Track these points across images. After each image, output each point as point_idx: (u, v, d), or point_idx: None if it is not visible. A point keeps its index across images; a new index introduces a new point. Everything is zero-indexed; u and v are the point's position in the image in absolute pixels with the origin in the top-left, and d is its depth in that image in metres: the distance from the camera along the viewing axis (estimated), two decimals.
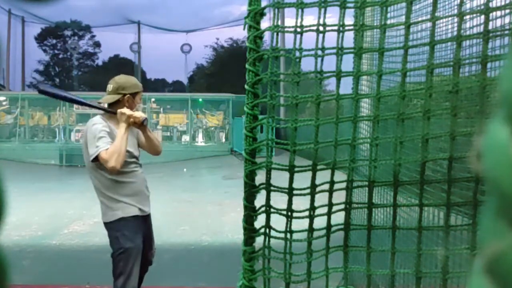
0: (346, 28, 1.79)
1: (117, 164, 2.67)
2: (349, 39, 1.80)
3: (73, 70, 35.18)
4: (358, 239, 2.25)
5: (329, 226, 1.91)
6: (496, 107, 0.30)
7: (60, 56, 38.62)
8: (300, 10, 1.75)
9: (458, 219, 1.88)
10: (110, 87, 2.95)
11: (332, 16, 1.85)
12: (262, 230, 1.88)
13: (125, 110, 2.82)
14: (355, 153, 1.88)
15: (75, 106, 17.13)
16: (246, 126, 1.81)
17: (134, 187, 2.89)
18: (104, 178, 2.84)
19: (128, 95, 2.93)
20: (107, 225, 2.88)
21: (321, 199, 1.87)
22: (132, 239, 2.83)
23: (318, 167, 1.86)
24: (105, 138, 2.75)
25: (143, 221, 2.96)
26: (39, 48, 37.28)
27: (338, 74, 1.79)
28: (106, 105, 2.98)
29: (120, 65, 32.97)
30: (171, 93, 27.27)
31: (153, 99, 17.77)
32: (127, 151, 2.82)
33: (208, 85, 30.28)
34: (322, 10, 1.76)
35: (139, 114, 2.86)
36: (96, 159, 2.72)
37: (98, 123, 2.83)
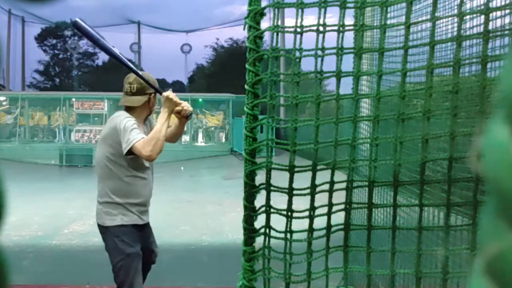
0: (346, 28, 1.79)
1: (153, 152, 2.50)
2: (349, 39, 1.80)
3: (73, 70, 35.15)
4: (358, 239, 2.25)
5: (329, 226, 1.91)
6: (496, 107, 0.30)
7: (60, 56, 38.60)
8: (300, 10, 1.75)
9: (458, 219, 1.88)
10: (131, 87, 2.77)
11: (332, 16, 1.85)
12: (262, 230, 1.88)
13: (172, 95, 2.65)
14: (355, 153, 1.88)
15: (75, 106, 17.15)
16: (246, 126, 1.81)
17: (142, 195, 2.78)
18: (118, 179, 2.70)
19: (153, 94, 2.80)
20: (105, 228, 2.75)
21: (321, 199, 1.87)
22: (132, 245, 2.72)
23: (318, 167, 1.86)
24: (138, 130, 2.60)
25: (142, 229, 2.86)
26: (39, 48, 37.29)
27: (338, 74, 1.79)
28: (123, 107, 2.81)
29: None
30: None
31: None
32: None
33: (208, 85, 30.27)
34: (322, 10, 1.76)
35: (187, 105, 2.73)
36: (129, 152, 2.56)
37: (129, 117, 2.67)
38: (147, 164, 2.79)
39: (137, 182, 2.75)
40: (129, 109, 2.80)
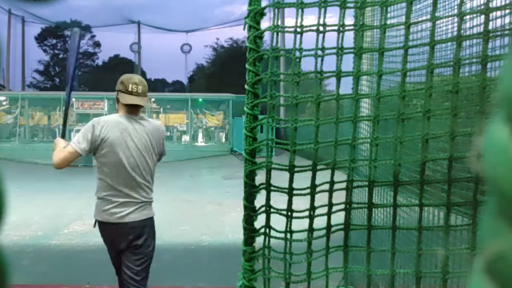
0: (346, 28, 1.79)
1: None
2: (349, 39, 1.80)
3: None
4: (358, 239, 2.25)
5: (329, 226, 1.91)
6: (496, 107, 0.30)
7: (60, 56, 38.62)
8: (300, 10, 1.75)
9: (458, 219, 1.88)
10: (139, 88, 2.87)
11: (332, 16, 1.85)
12: (262, 230, 1.88)
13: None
14: (355, 153, 1.88)
15: (75, 106, 17.16)
16: (246, 126, 1.81)
17: None
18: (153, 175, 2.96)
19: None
20: (150, 220, 2.91)
21: (321, 199, 1.87)
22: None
23: (318, 167, 1.86)
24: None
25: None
26: (39, 48, 37.32)
27: (338, 74, 1.79)
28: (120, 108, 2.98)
29: (120, 65, 32.99)
30: (171, 93, 27.27)
31: (153, 99, 17.77)
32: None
33: (208, 85, 30.28)
34: (322, 10, 1.76)
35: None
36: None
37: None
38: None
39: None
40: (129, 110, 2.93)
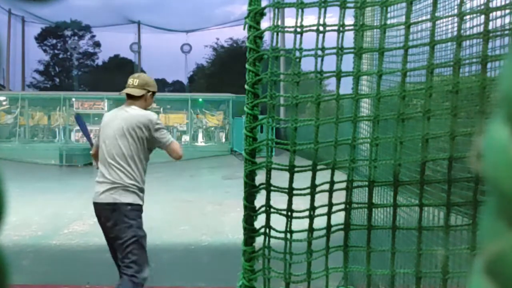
0: (346, 28, 1.79)
1: (182, 156, 3.14)
2: (349, 39, 1.80)
3: (73, 70, 35.14)
4: (358, 239, 2.25)
5: (329, 226, 1.91)
6: (496, 107, 0.30)
7: (60, 56, 38.62)
8: (300, 10, 1.75)
9: (458, 219, 1.87)
10: (135, 81, 3.12)
11: (332, 16, 1.85)
12: (262, 230, 1.88)
13: None
14: (355, 153, 1.88)
15: (75, 106, 17.18)
16: (246, 126, 1.81)
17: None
18: (144, 165, 3.06)
19: (150, 93, 3.15)
20: (136, 207, 2.96)
21: (321, 199, 1.87)
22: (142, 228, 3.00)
23: (318, 167, 1.86)
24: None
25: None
26: (39, 48, 37.30)
27: (338, 74, 1.79)
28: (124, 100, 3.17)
29: (120, 65, 32.99)
30: (171, 93, 27.25)
31: None
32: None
33: (208, 85, 30.26)
34: (322, 10, 1.76)
35: None
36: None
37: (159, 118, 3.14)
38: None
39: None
40: (133, 101, 3.13)
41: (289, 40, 1.82)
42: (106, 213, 2.94)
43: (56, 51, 38.64)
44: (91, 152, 3.38)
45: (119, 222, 2.90)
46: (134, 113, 3.03)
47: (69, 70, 37.01)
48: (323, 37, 1.78)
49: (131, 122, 2.98)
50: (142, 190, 3.01)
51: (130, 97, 3.10)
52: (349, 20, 1.79)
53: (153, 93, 3.18)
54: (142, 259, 2.91)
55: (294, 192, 1.84)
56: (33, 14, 28.69)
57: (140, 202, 2.99)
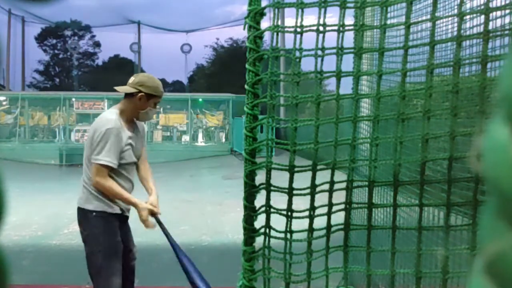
0: (346, 28, 1.79)
1: (97, 186, 2.72)
2: (349, 39, 1.80)
3: (73, 70, 35.12)
4: (358, 239, 2.25)
5: (329, 226, 1.91)
6: (496, 107, 0.30)
7: (60, 56, 38.61)
8: (300, 10, 1.75)
9: (458, 219, 1.88)
10: (131, 79, 2.87)
11: (332, 16, 1.85)
12: (262, 230, 1.88)
13: (143, 214, 2.83)
14: (355, 153, 1.88)
15: (75, 106, 17.18)
16: (246, 126, 1.81)
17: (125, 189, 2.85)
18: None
19: (142, 94, 2.79)
20: (84, 213, 2.80)
21: (321, 199, 1.87)
22: (113, 235, 2.82)
23: (318, 167, 1.86)
24: (112, 152, 2.69)
25: (124, 221, 2.92)
26: (39, 48, 37.29)
27: (338, 74, 1.79)
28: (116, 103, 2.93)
29: (120, 65, 32.99)
30: (171, 93, 27.24)
31: None
32: (135, 154, 2.87)
33: (208, 85, 30.26)
34: (322, 10, 1.76)
35: (149, 224, 2.89)
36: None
37: (114, 127, 2.72)
38: (129, 165, 2.86)
39: (121, 178, 2.83)
40: (124, 101, 2.89)
41: (289, 40, 1.82)
42: (77, 216, 2.88)
43: (56, 51, 38.63)
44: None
45: (84, 228, 2.82)
46: (100, 116, 2.88)
47: (69, 70, 37.00)
48: (323, 37, 1.78)
49: (93, 128, 2.80)
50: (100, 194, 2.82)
51: (125, 95, 2.88)
52: (349, 20, 1.80)
53: (151, 96, 2.82)
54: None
55: (294, 192, 1.84)
56: (33, 14, 28.68)
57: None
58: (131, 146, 2.82)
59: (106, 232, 2.77)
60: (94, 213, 2.76)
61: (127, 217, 2.96)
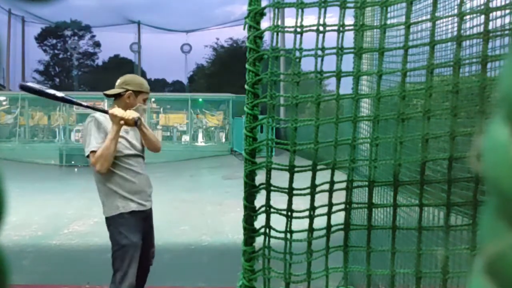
0: (346, 28, 1.79)
1: (101, 169, 2.76)
2: (349, 39, 1.80)
3: (73, 70, 35.13)
4: (358, 239, 2.25)
5: (329, 226, 1.91)
6: (496, 107, 0.30)
7: (60, 56, 38.62)
8: (300, 10, 1.75)
9: (458, 219, 1.88)
10: (117, 82, 3.02)
11: (332, 16, 1.85)
12: (262, 230, 1.88)
13: (116, 112, 2.79)
14: (355, 153, 1.88)
15: (75, 106, 17.17)
16: (246, 126, 1.81)
17: (134, 185, 2.89)
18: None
19: (130, 92, 2.94)
20: (106, 220, 2.91)
21: (321, 199, 1.87)
22: (128, 236, 2.82)
23: (318, 167, 1.86)
24: (95, 137, 2.80)
25: (143, 218, 2.93)
26: (39, 48, 37.30)
27: (338, 74, 1.79)
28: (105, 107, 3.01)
29: (120, 65, 32.97)
30: (171, 93, 27.26)
31: (153, 99, 17.75)
32: (131, 144, 2.91)
33: (208, 85, 30.27)
34: (322, 10, 1.76)
35: (129, 115, 2.81)
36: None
37: (93, 118, 2.87)
38: (131, 152, 2.92)
39: (127, 173, 2.91)
40: (116, 102, 3.00)
41: (289, 40, 1.81)
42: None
43: (56, 51, 38.65)
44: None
45: (109, 233, 2.92)
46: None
47: (69, 70, 37.01)
48: (323, 37, 1.78)
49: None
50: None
51: (115, 98, 2.98)
52: (349, 20, 1.79)
53: (138, 92, 2.96)
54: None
55: (294, 192, 1.84)
56: (33, 14, 28.68)
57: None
58: (125, 139, 2.90)
59: (121, 233, 2.84)
60: (110, 218, 2.87)
61: (148, 214, 3.00)
